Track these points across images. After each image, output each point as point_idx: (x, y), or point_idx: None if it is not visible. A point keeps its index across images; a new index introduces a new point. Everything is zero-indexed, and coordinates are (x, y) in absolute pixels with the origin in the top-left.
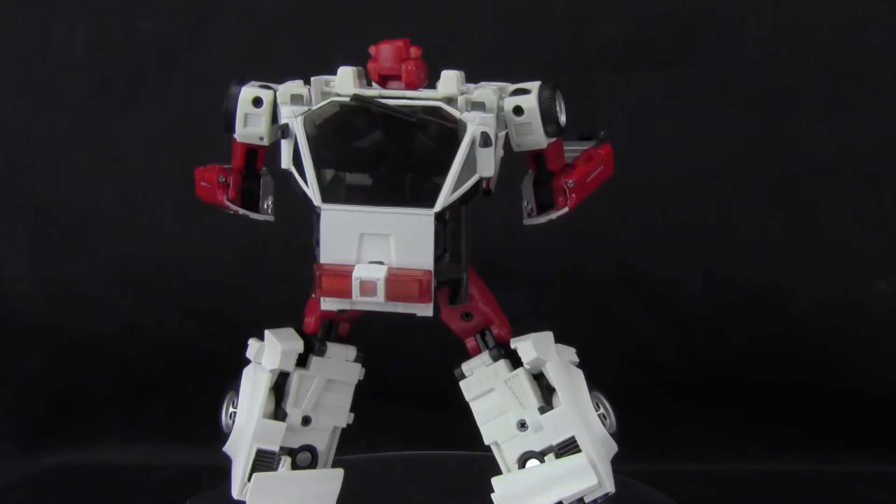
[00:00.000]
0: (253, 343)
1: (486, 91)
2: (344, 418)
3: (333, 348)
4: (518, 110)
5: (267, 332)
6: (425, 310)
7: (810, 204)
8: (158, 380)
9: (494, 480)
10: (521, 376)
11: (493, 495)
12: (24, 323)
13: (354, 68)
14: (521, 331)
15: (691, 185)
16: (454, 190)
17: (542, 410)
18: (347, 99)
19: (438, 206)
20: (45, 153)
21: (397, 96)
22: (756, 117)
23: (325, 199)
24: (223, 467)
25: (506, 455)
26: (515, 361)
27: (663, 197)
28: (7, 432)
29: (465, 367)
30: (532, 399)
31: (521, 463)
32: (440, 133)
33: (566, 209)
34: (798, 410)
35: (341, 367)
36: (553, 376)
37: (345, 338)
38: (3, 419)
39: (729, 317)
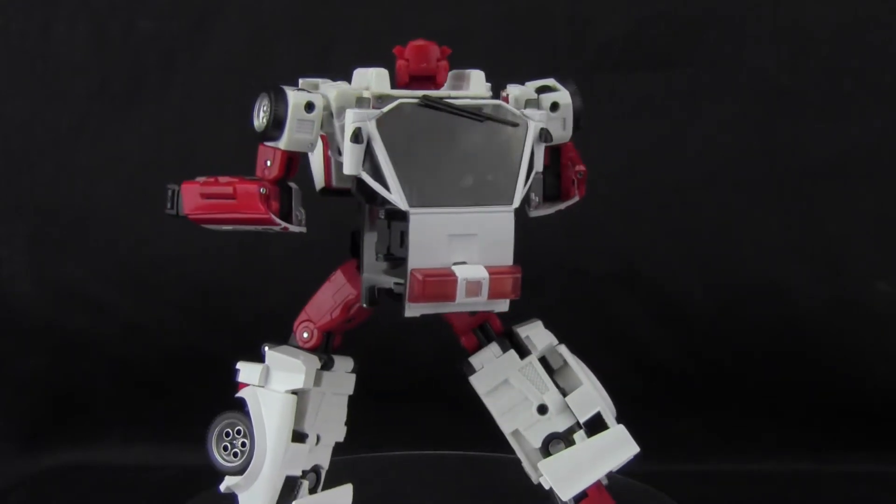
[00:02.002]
0: (249, 367)
1: (528, 89)
2: (342, 432)
3: (338, 361)
4: (555, 106)
5: (273, 353)
6: (504, 305)
7: (810, 204)
8: (158, 380)
9: (542, 464)
10: (535, 363)
11: (542, 479)
12: (24, 323)
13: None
14: None
15: (691, 185)
16: (524, 186)
17: (564, 392)
18: (416, 101)
19: (517, 203)
20: (45, 153)
21: (443, 96)
22: (756, 117)
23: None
24: None
25: (528, 441)
26: (521, 350)
27: (663, 197)
28: (7, 432)
29: (475, 361)
30: (549, 383)
31: (545, 446)
32: (500, 131)
33: (577, 198)
34: (798, 410)
35: (343, 379)
36: (568, 357)
37: (338, 349)
38: (3, 419)
39: (729, 317)
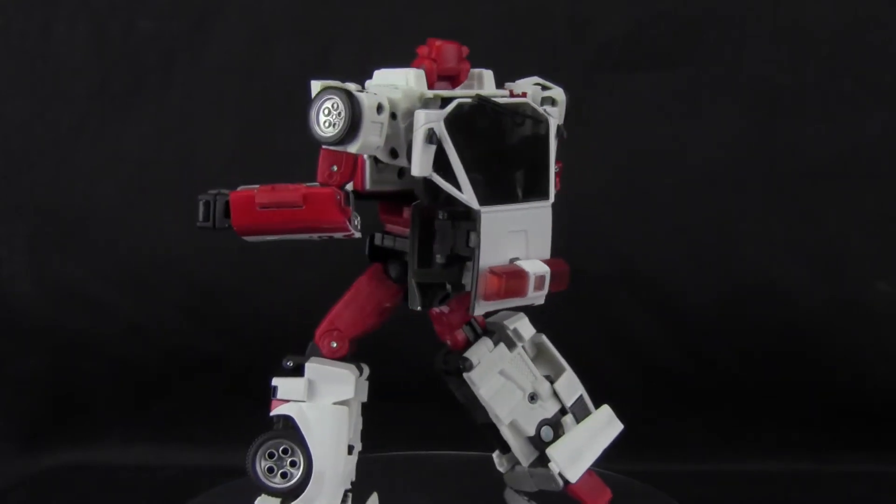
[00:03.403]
0: (288, 382)
1: (538, 87)
2: (359, 440)
3: (364, 369)
4: (553, 103)
5: (314, 365)
6: (542, 298)
7: (810, 204)
8: (158, 380)
9: (550, 451)
10: (523, 354)
11: (551, 464)
12: (24, 323)
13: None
14: None
15: (691, 185)
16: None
17: (551, 380)
18: (469, 100)
19: (552, 197)
20: (45, 153)
21: (491, 95)
22: (756, 117)
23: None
24: (223, 467)
25: (524, 430)
26: (507, 342)
27: (663, 197)
28: (7, 432)
29: (472, 356)
30: (536, 371)
31: (537, 432)
32: (530, 129)
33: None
34: (798, 410)
35: (363, 386)
36: (550, 346)
37: (356, 356)
38: (3, 419)
39: (729, 317)
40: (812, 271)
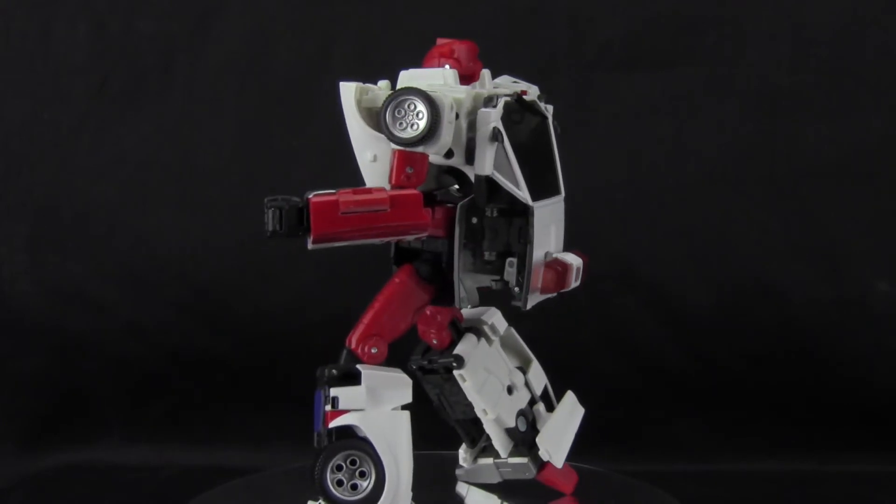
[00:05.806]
0: (348, 391)
1: (515, 84)
2: None
3: None
4: (546, 99)
5: (371, 373)
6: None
7: (810, 204)
8: (158, 380)
9: (539, 440)
10: (499, 348)
11: (541, 452)
12: (24, 323)
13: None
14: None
15: (691, 185)
16: None
17: (523, 371)
18: (509, 99)
19: (563, 191)
20: (45, 153)
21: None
22: (756, 117)
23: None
24: (223, 467)
25: (504, 422)
26: (486, 337)
27: (663, 197)
28: (7, 432)
29: (462, 353)
30: (510, 364)
31: (516, 423)
32: (541, 125)
33: None
34: (798, 410)
35: None
36: (517, 336)
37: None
38: (3, 419)
39: (729, 317)
40: (812, 271)
